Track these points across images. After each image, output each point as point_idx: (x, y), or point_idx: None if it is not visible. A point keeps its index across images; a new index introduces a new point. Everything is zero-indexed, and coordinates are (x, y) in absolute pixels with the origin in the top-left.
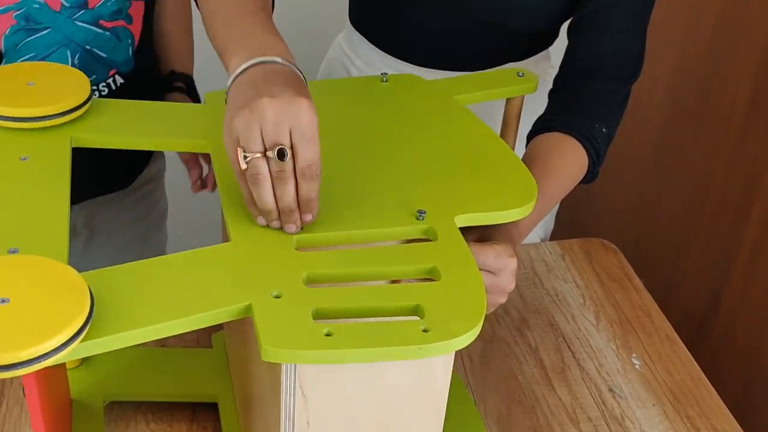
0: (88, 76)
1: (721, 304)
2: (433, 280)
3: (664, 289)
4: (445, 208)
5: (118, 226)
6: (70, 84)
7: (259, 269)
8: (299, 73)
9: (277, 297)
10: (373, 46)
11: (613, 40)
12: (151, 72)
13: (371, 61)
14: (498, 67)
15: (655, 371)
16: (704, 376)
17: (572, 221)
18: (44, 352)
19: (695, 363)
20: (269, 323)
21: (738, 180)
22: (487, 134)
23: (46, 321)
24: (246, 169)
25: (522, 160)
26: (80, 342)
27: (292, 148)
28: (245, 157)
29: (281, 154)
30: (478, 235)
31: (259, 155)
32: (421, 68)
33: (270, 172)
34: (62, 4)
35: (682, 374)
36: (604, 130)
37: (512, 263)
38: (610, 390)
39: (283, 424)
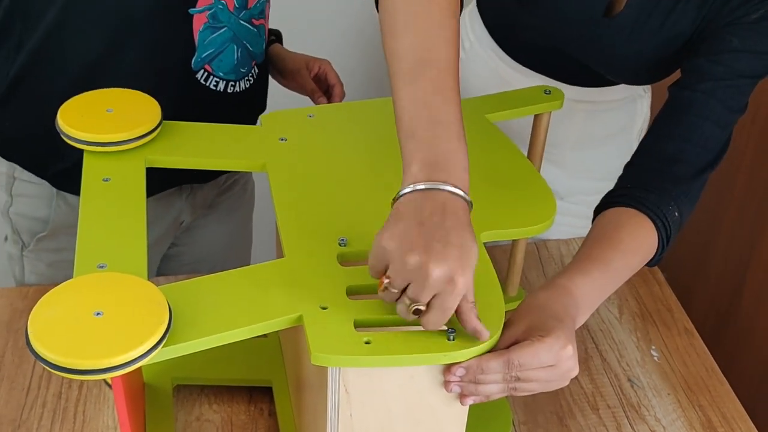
0: (242, 69)
1: (744, 295)
2: None
3: (691, 280)
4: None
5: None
6: (143, 109)
7: (309, 283)
8: (468, 203)
9: (324, 308)
10: (486, 31)
11: (704, 129)
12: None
13: (483, 41)
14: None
15: (672, 362)
16: (718, 367)
17: None
18: (133, 358)
19: (710, 355)
20: (318, 332)
21: (762, 174)
22: (513, 152)
23: (134, 331)
24: (382, 289)
25: (588, 234)
26: (161, 349)
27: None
28: (384, 288)
29: (417, 312)
30: (526, 325)
31: (397, 292)
32: (521, 66)
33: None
34: (234, 5)
35: (697, 366)
36: (676, 214)
37: (566, 353)
38: (629, 380)
39: (329, 414)
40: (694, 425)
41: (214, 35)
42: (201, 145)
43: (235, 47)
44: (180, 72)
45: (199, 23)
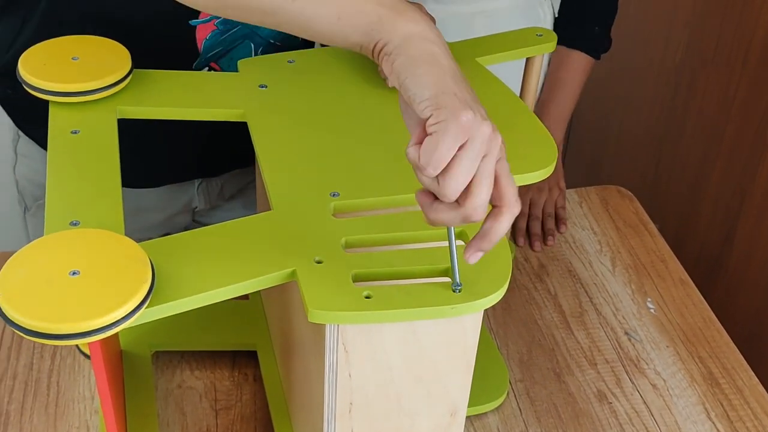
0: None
1: (735, 243)
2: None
3: (680, 230)
4: None
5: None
6: (112, 57)
7: (301, 236)
8: None
9: (319, 262)
10: None
11: None
12: None
13: None
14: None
15: (668, 314)
16: (715, 317)
17: (591, 166)
18: (115, 320)
19: (707, 305)
20: (314, 288)
21: (752, 122)
22: (507, 95)
23: (115, 291)
24: None
25: (546, 76)
26: (144, 309)
27: None
28: None
29: None
30: None
31: None
32: None
33: None
34: None
35: (694, 316)
36: (596, 29)
37: None
38: (626, 333)
39: (327, 376)
40: (695, 377)
41: (224, 36)
42: (175, 95)
43: (252, 44)
44: None
45: (204, 32)
